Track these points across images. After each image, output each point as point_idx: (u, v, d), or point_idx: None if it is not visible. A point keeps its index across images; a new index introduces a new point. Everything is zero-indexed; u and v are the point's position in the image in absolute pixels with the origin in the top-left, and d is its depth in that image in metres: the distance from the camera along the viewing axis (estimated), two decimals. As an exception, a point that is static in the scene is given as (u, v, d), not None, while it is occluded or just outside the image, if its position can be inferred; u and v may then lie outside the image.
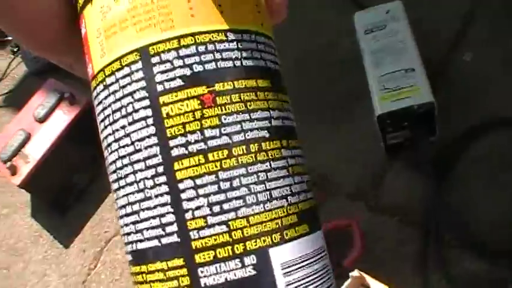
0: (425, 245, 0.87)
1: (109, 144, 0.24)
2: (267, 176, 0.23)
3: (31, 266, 1.18)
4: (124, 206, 0.24)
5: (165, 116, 0.22)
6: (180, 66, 0.23)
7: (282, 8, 0.27)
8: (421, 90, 0.87)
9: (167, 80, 0.23)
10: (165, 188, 0.22)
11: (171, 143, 0.22)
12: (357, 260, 0.86)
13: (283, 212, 0.23)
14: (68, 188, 1.22)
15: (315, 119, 1.01)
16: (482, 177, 0.89)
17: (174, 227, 0.22)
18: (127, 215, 0.24)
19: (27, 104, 1.21)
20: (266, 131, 0.23)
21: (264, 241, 0.22)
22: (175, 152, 0.22)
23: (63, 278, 1.14)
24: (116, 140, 0.24)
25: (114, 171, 0.24)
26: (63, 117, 1.17)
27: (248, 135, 0.23)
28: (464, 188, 0.89)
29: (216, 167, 0.22)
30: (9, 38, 1.54)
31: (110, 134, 0.24)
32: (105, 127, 0.24)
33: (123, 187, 0.24)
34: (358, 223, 0.89)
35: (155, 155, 0.23)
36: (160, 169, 0.22)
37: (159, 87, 0.23)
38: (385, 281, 0.80)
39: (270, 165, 0.23)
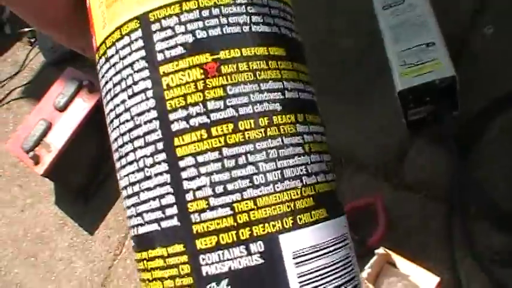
0: (450, 221, 0.86)
1: (111, 121, 0.23)
2: (278, 153, 0.21)
3: (57, 253, 1.20)
4: (126, 187, 0.23)
5: (165, 87, 0.21)
6: (182, 33, 0.21)
7: None
8: (442, 65, 0.86)
9: (168, 49, 0.21)
10: (164, 166, 0.21)
11: (171, 116, 0.21)
12: (382, 237, 0.86)
13: (297, 193, 0.21)
14: (90, 175, 1.23)
15: (336, 96, 1.00)
16: (507, 150, 0.88)
17: (174, 209, 0.21)
18: (128, 196, 0.23)
19: (47, 94, 1.22)
20: (278, 104, 0.21)
21: (274, 226, 0.20)
22: (175, 127, 0.21)
23: (89, 264, 1.16)
24: (117, 116, 0.23)
25: (116, 150, 0.23)
26: (83, 105, 1.18)
27: (257, 108, 0.21)
28: (488, 162, 0.88)
29: (219, 142, 0.20)
30: (26, 30, 1.55)
31: (111, 110, 0.23)
32: (107, 103, 0.23)
33: (124, 166, 0.23)
34: (382, 200, 0.89)
35: (155, 130, 0.21)
36: (160, 145, 0.21)
37: (159, 56, 0.21)
38: (411, 257, 0.80)
39: (282, 141, 0.21)
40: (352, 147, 0.97)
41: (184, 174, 0.20)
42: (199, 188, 0.20)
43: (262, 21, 0.22)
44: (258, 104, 0.21)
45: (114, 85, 0.23)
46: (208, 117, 0.21)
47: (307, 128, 0.22)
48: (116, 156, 0.23)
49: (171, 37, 0.21)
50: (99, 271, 1.14)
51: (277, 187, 0.21)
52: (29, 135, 1.16)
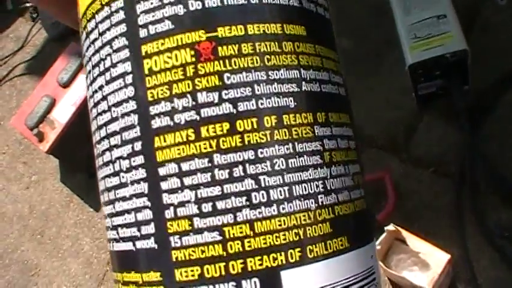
0: (460, 197, 0.85)
1: (90, 110, 0.19)
2: (287, 164, 0.16)
3: (64, 230, 1.20)
4: (102, 192, 0.19)
5: (147, 72, 0.17)
6: (171, 3, 0.17)
7: None
8: (453, 38, 0.84)
9: (152, 23, 0.17)
10: (142, 173, 0.17)
11: (152, 110, 0.17)
12: (391, 213, 0.85)
13: (309, 217, 0.16)
14: (95, 152, 1.22)
15: (345, 70, 0.98)
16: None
17: (151, 228, 0.17)
18: (105, 203, 0.19)
19: (50, 70, 1.20)
20: (292, 99, 0.17)
21: (275, 259, 0.16)
22: (156, 123, 0.17)
23: (96, 241, 1.15)
24: (95, 105, 0.19)
25: (95, 146, 0.19)
26: (86, 81, 1.17)
27: (262, 104, 0.17)
28: (499, 137, 0.87)
29: (210, 147, 0.16)
30: (28, 5, 1.53)
31: (90, 97, 0.19)
32: (87, 87, 0.19)
33: (100, 167, 0.19)
34: (391, 176, 0.88)
35: (132, 126, 0.17)
36: (138, 146, 0.17)
37: (142, 33, 0.17)
38: (421, 234, 0.79)
39: (294, 148, 0.17)
40: (361, 122, 0.96)
41: (164, 185, 0.16)
42: (181, 204, 0.16)
43: None
44: (264, 98, 0.17)
45: (93, 67, 0.19)
46: (198, 114, 0.16)
47: (330, 131, 0.18)
48: (95, 153, 0.20)
49: (157, 8, 0.17)
50: (106, 248, 1.14)
51: (283, 208, 0.16)
52: (32, 112, 1.15)
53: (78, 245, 1.17)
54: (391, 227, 0.78)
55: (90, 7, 0.19)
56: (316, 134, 0.17)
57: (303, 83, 0.17)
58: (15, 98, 1.44)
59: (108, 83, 0.18)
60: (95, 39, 0.18)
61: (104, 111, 0.18)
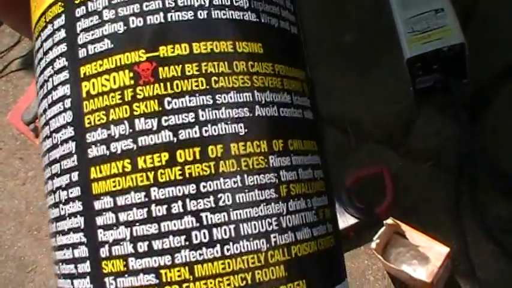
0: (458, 191, 0.85)
1: (40, 133, 0.18)
2: (233, 199, 0.15)
3: (61, 226, 1.19)
4: (49, 223, 0.17)
5: (84, 95, 0.16)
6: (111, 20, 0.16)
7: None
8: (451, 31, 0.84)
9: (92, 42, 0.16)
10: (78, 206, 0.16)
11: (89, 137, 0.15)
12: (389, 207, 0.85)
13: (259, 260, 0.15)
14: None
15: (343, 64, 0.99)
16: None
17: (86, 266, 0.15)
18: (50, 235, 0.17)
19: (47, 65, 1.20)
20: (241, 125, 0.15)
21: None
22: (92, 152, 0.15)
23: (93, 237, 1.15)
24: (41, 128, 0.18)
25: (43, 172, 0.18)
26: (83, 77, 1.16)
27: (207, 131, 0.15)
28: (497, 130, 0.87)
29: (147, 179, 0.15)
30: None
31: (40, 120, 0.18)
32: (38, 109, 0.18)
33: (46, 196, 0.18)
34: (389, 170, 0.88)
35: (70, 155, 0.16)
36: (75, 176, 0.16)
37: (81, 53, 0.16)
38: (419, 227, 0.79)
39: (242, 181, 0.15)
40: (359, 116, 0.96)
41: (99, 220, 0.15)
42: (116, 242, 0.15)
43: (229, 3, 0.16)
44: (209, 125, 0.15)
45: (40, 88, 0.17)
46: (135, 142, 0.15)
47: (289, 161, 0.16)
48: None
49: (97, 26, 0.16)
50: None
51: (227, 250, 0.14)
52: (29, 107, 1.15)
53: (75, 241, 1.16)
54: (390, 221, 0.78)
55: (37, 25, 0.17)
56: (271, 165, 0.15)
57: (257, 107, 0.16)
58: (12, 94, 1.43)
59: (50, 106, 0.17)
60: (41, 59, 0.17)
61: (47, 137, 0.17)
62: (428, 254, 0.77)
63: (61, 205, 0.16)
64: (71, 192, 0.16)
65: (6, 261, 1.20)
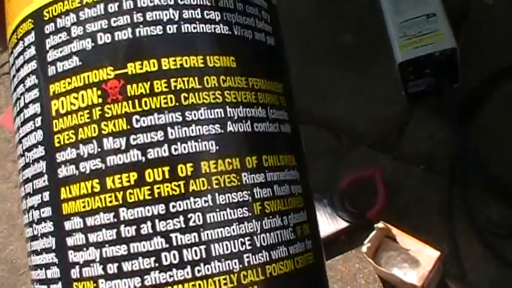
0: (450, 194, 0.85)
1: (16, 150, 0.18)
2: (204, 218, 0.14)
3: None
4: (26, 241, 0.17)
5: (54, 114, 0.15)
6: (79, 37, 0.15)
7: None
8: (443, 36, 0.84)
9: (60, 59, 0.15)
10: (49, 226, 0.16)
11: (59, 156, 0.15)
12: (381, 210, 0.85)
13: (231, 281, 0.14)
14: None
15: (334, 68, 0.99)
16: (508, 122, 0.87)
17: (58, 287, 0.15)
18: (27, 254, 0.17)
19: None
20: (212, 142, 0.15)
21: None
22: (62, 172, 0.15)
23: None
24: (16, 146, 0.17)
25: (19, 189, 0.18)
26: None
27: (176, 150, 0.15)
28: (489, 133, 0.87)
29: (116, 200, 0.14)
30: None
31: (15, 138, 0.18)
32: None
33: (22, 215, 0.18)
34: (382, 173, 0.88)
35: (41, 174, 0.16)
36: (46, 196, 0.16)
37: (51, 70, 0.16)
38: (411, 231, 0.80)
39: (214, 200, 0.14)
40: (351, 120, 0.96)
41: (70, 241, 0.15)
42: (87, 264, 0.15)
43: (200, 16, 0.15)
44: (179, 143, 0.15)
45: (13, 106, 0.17)
46: (104, 162, 0.15)
47: (263, 177, 0.15)
48: None
49: (65, 43, 0.16)
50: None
51: (198, 271, 0.14)
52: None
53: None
54: (380, 224, 0.78)
55: (10, 41, 0.17)
56: (244, 182, 0.15)
57: (229, 123, 0.15)
58: (4, 96, 1.42)
59: (22, 124, 0.16)
60: (13, 76, 0.17)
61: (21, 155, 0.17)
62: (418, 257, 0.77)
63: (34, 225, 0.16)
64: (43, 212, 0.16)
65: (-1, 264, 1.20)
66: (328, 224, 0.83)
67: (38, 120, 0.16)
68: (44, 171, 0.16)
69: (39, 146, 0.16)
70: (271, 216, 0.15)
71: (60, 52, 0.16)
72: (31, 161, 0.16)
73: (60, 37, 0.16)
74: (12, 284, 1.16)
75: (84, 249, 0.15)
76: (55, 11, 0.16)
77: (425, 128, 0.91)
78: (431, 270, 0.74)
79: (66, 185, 0.15)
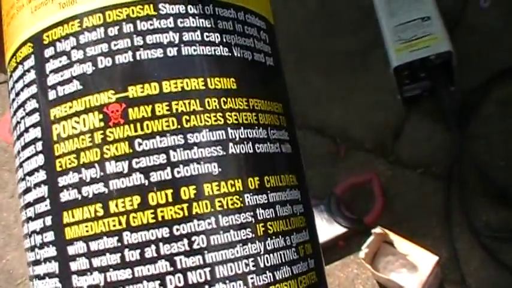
0: (449, 198, 0.85)
1: (16, 174, 0.18)
2: (207, 241, 0.14)
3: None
4: (27, 266, 0.17)
5: (55, 138, 0.15)
6: (79, 61, 0.15)
7: None
8: (438, 39, 0.84)
9: (61, 83, 0.15)
10: (53, 251, 0.15)
11: (61, 180, 0.15)
12: (379, 216, 0.84)
13: None
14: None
15: (329, 72, 0.99)
16: (506, 125, 0.87)
17: None
18: (29, 278, 0.17)
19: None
20: (215, 165, 0.15)
21: None
22: (65, 197, 0.15)
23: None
24: (16, 170, 0.17)
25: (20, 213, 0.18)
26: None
27: (179, 173, 0.15)
28: (486, 137, 0.87)
29: (119, 224, 0.14)
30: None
31: (15, 162, 0.18)
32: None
33: (23, 239, 0.18)
34: (379, 178, 0.88)
35: (43, 199, 0.16)
36: (48, 221, 0.15)
37: (51, 94, 0.16)
38: (408, 236, 0.79)
39: (217, 222, 0.15)
40: (347, 125, 0.96)
41: (73, 266, 0.15)
42: None
43: (200, 39, 0.16)
44: (181, 166, 0.15)
45: (13, 129, 0.17)
46: (106, 186, 0.15)
47: (265, 198, 0.15)
48: None
49: (66, 67, 0.16)
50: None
51: None
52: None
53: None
54: (378, 230, 0.78)
55: (9, 65, 0.17)
56: (247, 204, 0.15)
57: (230, 144, 0.15)
58: (0, 105, 1.42)
59: (23, 149, 0.16)
60: (13, 100, 0.17)
61: (21, 180, 0.17)
62: (417, 262, 0.76)
63: (36, 249, 0.16)
64: (45, 237, 0.16)
65: (-5, 275, 1.19)
66: (326, 229, 0.82)
67: (39, 144, 0.16)
68: (46, 195, 0.16)
69: (41, 170, 0.16)
70: (274, 237, 0.15)
71: (61, 76, 0.16)
72: (32, 186, 0.16)
73: (60, 61, 0.16)
74: (9, 295, 1.16)
75: (88, 273, 0.15)
76: (55, 35, 0.16)
77: (422, 132, 0.91)
78: (429, 275, 0.74)
79: (69, 209, 0.15)
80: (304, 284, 0.16)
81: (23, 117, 0.17)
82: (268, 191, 0.16)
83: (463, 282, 0.78)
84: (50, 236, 0.15)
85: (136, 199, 0.15)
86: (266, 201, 0.15)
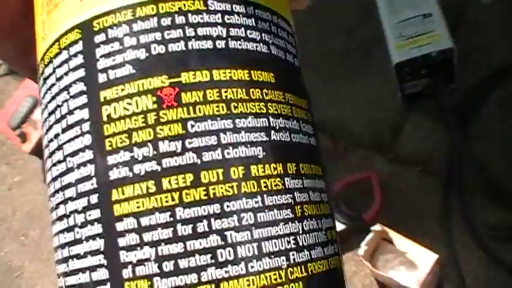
0: (447, 197, 0.84)
1: (45, 161, 0.18)
2: (255, 218, 0.15)
3: (47, 232, 1.18)
4: (56, 250, 0.17)
5: (105, 119, 0.16)
6: (132, 47, 0.16)
7: None
8: (439, 36, 0.84)
9: (113, 67, 0.16)
10: (98, 228, 0.16)
11: (110, 159, 0.16)
12: (378, 213, 0.84)
13: (280, 276, 0.15)
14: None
15: (330, 69, 0.98)
16: (506, 123, 0.86)
17: None
18: (57, 262, 0.17)
19: (33, 69, 1.19)
20: (260, 148, 0.16)
21: None
22: (115, 174, 0.16)
23: (80, 243, 1.14)
24: (50, 155, 0.18)
25: (49, 199, 0.18)
26: (70, 81, 1.15)
27: (228, 154, 0.16)
28: (486, 135, 0.86)
29: (172, 200, 0.15)
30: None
31: (45, 147, 0.18)
32: (44, 137, 0.18)
33: (54, 222, 0.18)
34: (378, 176, 0.87)
35: (89, 178, 0.16)
36: (94, 198, 0.16)
37: (101, 78, 0.16)
38: (408, 234, 0.79)
39: (263, 201, 0.15)
40: (346, 122, 0.95)
41: (121, 242, 0.15)
42: (140, 263, 0.15)
43: (244, 35, 0.17)
44: (231, 148, 0.16)
45: (49, 114, 0.18)
46: (159, 164, 0.15)
47: (301, 183, 0.17)
48: (49, 206, 0.18)
49: (118, 52, 0.16)
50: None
51: (252, 267, 0.15)
52: (15, 112, 1.14)
53: (62, 247, 1.15)
54: (377, 227, 0.78)
55: (48, 51, 0.18)
56: (287, 186, 0.16)
57: (272, 132, 0.16)
58: (-2, 99, 1.42)
59: (64, 131, 0.17)
60: (52, 85, 0.17)
61: (59, 161, 0.17)
62: (416, 260, 0.76)
63: (76, 228, 0.16)
64: (89, 215, 0.16)
65: (-7, 267, 1.19)
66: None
67: (86, 125, 0.16)
68: (93, 174, 0.16)
69: (87, 150, 0.16)
70: (309, 219, 0.16)
71: (112, 61, 0.16)
72: (75, 166, 0.16)
73: (112, 47, 0.16)
74: (7, 286, 1.16)
75: (138, 248, 0.15)
76: (106, 22, 0.16)
77: (422, 130, 0.91)
78: (428, 274, 0.73)
79: (119, 186, 0.16)
80: (332, 265, 0.17)
81: (65, 100, 0.17)
82: (303, 177, 0.17)
83: (462, 281, 0.78)
84: (95, 213, 0.16)
85: (189, 176, 0.15)
86: (302, 186, 0.17)
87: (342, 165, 0.91)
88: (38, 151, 1.13)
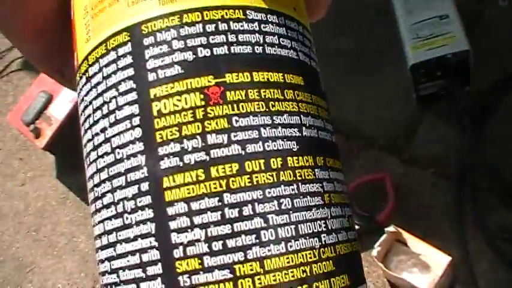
0: (460, 198, 0.84)
1: (88, 154, 0.19)
2: (292, 203, 0.17)
3: (59, 227, 1.19)
4: (99, 236, 0.19)
5: (155, 114, 0.17)
6: (180, 50, 0.18)
7: (322, 3, 0.22)
8: (456, 38, 0.84)
9: (162, 67, 0.18)
10: (149, 213, 0.17)
11: (161, 150, 0.17)
12: (391, 214, 0.84)
13: (314, 255, 0.17)
14: (92, 149, 1.22)
15: (345, 69, 0.98)
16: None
17: (158, 268, 0.17)
18: (102, 248, 0.19)
19: (48, 65, 1.19)
20: (295, 142, 0.18)
21: None
22: (165, 164, 0.17)
23: (91, 239, 1.14)
24: (95, 148, 0.19)
25: (92, 189, 0.19)
26: (84, 78, 1.16)
27: (268, 146, 0.17)
28: (500, 138, 0.86)
29: (220, 186, 0.17)
30: None
31: (89, 140, 0.19)
32: (85, 131, 0.20)
33: (99, 210, 0.19)
34: (391, 177, 0.87)
35: (139, 167, 0.17)
36: (145, 186, 0.17)
37: (151, 76, 0.18)
38: (421, 235, 0.79)
39: (298, 188, 0.17)
40: (361, 122, 0.95)
41: (173, 225, 0.17)
42: (191, 243, 0.16)
43: (278, 42, 0.19)
44: (270, 141, 0.17)
45: (94, 110, 0.19)
46: (208, 154, 0.17)
47: (327, 174, 0.18)
48: (90, 197, 0.19)
49: (167, 54, 0.18)
50: (102, 246, 1.13)
51: (291, 246, 0.17)
52: (29, 108, 1.14)
53: (73, 243, 1.16)
54: (391, 228, 0.78)
55: (94, 52, 0.19)
56: (317, 176, 0.18)
57: (303, 128, 0.18)
58: (12, 94, 1.43)
59: (112, 125, 0.18)
60: (98, 83, 0.19)
61: (106, 153, 0.18)
62: (429, 262, 0.76)
63: (126, 214, 0.17)
64: (140, 201, 0.17)
65: (5, 262, 1.20)
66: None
67: (136, 119, 0.18)
68: (143, 164, 0.17)
69: (137, 142, 0.17)
70: (335, 206, 0.18)
71: (162, 61, 0.18)
72: (125, 156, 0.18)
73: (161, 49, 0.18)
74: (19, 282, 1.16)
75: (189, 230, 0.16)
76: (155, 27, 0.18)
77: (435, 131, 0.91)
78: (441, 276, 0.73)
79: (170, 174, 0.17)
80: (354, 248, 0.19)
81: (114, 97, 0.18)
82: (329, 169, 0.19)
83: (474, 283, 0.78)
84: (146, 200, 0.17)
85: (235, 166, 0.17)
86: (329, 177, 0.18)
87: (355, 165, 0.91)
88: (51, 147, 1.14)
